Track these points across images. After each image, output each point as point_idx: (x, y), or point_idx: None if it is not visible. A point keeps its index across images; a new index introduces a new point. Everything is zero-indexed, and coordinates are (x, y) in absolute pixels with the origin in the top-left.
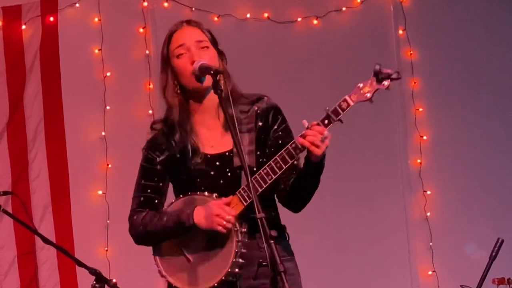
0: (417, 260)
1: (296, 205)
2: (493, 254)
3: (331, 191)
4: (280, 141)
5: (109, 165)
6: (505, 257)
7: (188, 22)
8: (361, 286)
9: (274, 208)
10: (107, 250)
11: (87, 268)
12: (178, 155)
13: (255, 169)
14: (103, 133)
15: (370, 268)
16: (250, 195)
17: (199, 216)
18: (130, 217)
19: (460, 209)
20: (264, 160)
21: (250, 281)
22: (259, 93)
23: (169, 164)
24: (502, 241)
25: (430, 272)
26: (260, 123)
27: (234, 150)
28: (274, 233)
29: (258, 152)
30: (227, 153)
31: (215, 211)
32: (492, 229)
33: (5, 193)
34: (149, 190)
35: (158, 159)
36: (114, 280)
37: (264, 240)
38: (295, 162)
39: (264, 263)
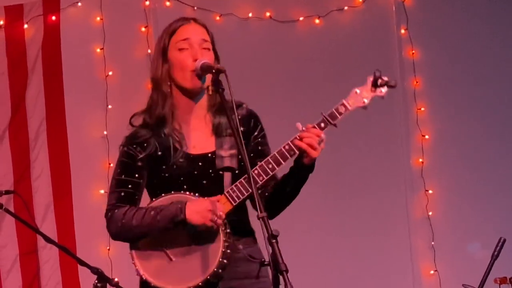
0: (419, 259)
1: (274, 211)
2: (495, 253)
3: (332, 190)
4: (259, 147)
5: (111, 164)
6: (507, 256)
7: (195, 20)
8: (363, 285)
9: (245, 213)
10: (109, 249)
11: (89, 267)
12: (160, 153)
13: (237, 171)
14: (105, 132)
15: (372, 267)
16: (240, 196)
17: (191, 211)
18: (108, 211)
19: (462, 208)
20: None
21: (229, 282)
22: (238, 100)
23: (150, 162)
24: (504, 240)
25: (432, 272)
26: (242, 129)
27: (217, 152)
28: (276, 232)
29: (240, 156)
30: (209, 154)
31: (208, 206)
32: (494, 228)
33: (7, 192)
34: (129, 186)
35: (140, 156)
36: (116, 279)
37: (266, 240)
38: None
39: (266, 263)
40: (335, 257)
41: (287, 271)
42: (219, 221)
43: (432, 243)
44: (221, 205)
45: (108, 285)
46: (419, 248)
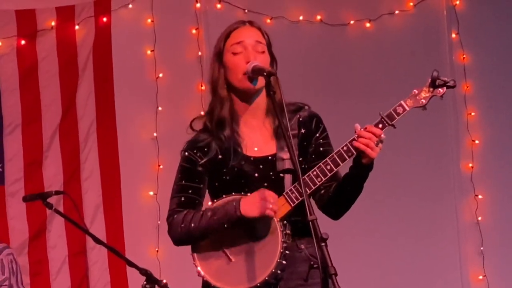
0: (468, 265)
1: (338, 212)
2: None
3: (382, 193)
4: (321, 149)
5: (161, 166)
6: None
7: (251, 23)
8: None
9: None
10: (157, 251)
11: (138, 268)
12: (220, 156)
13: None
14: (155, 134)
15: (420, 271)
16: (298, 197)
17: (245, 206)
18: (169, 217)
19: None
20: (306, 166)
21: (288, 282)
22: (301, 102)
23: (211, 166)
24: None
25: (480, 277)
26: (303, 131)
27: (278, 155)
28: (325, 235)
29: (300, 159)
30: (270, 157)
31: (260, 195)
32: None
33: (57, 192)
34: (190, 191)
35: (200, 161)
36: (164, 281)
37: (315, 242)
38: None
39: (315, 265)
40: (383, 261)
41: (336, 274)
42: (275, 207)
43: (481, 248)
44: (274, 195)
45: (156, 286)
46: (468, 253)
